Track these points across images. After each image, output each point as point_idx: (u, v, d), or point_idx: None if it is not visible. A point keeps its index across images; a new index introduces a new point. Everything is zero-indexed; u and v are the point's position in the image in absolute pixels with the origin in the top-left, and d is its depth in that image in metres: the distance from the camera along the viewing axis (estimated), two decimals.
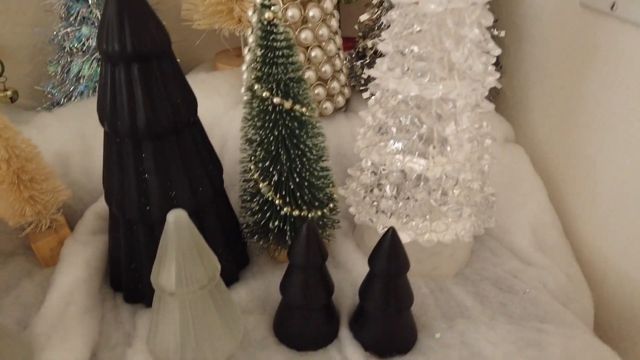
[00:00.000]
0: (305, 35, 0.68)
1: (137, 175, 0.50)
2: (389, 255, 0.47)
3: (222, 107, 0.76)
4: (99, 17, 0.76)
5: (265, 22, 0.48)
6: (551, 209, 0.68)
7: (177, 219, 0.42)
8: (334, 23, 0.72)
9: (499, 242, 0.65)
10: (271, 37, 0.49)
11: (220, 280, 0.48)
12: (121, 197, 0.51)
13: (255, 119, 0.52)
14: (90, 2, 0.75)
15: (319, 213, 0.58)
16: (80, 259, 0.55)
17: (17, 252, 0.62)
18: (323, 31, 0.70)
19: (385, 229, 0.57)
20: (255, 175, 0.56)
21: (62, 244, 0.60)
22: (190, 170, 0.52)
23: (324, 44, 0.71)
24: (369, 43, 0.75)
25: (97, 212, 0.62)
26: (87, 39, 0.77)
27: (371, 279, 0.49)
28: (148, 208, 0.51)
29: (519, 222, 0.65)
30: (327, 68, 0.72)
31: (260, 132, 0.53)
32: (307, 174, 0.55)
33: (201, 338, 0.46)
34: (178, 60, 0.90)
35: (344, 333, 0.53)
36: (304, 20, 0.69)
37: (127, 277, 0.55)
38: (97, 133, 0.68)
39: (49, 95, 0.84)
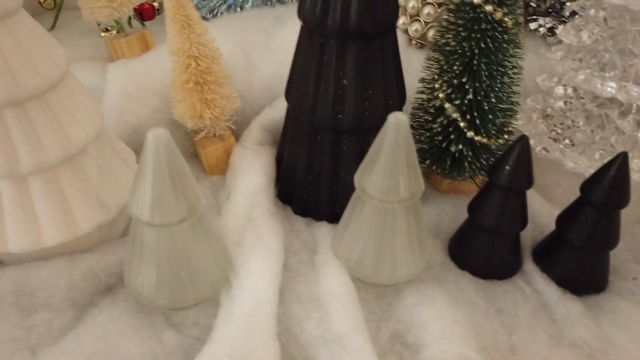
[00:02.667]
0: None
1: (335, 80, 0.48)
2: (614, 184, 0.43)
3: None
4: None
5: None
6: None
7: (398, 120, 0.40)
8: None
9: None
10: None
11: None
12: (313, 103, 0.49)
13: (460, 29, 0.48)
14: None
15: (500, 142, 0.55)
16: (258, 165, 0.55)
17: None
18: None
19: (577, 165, 0.53)
20: (441, 94, 0.53)
21: (228, 154, 0.60)
22: (386, 79, 0.49)
23: None
24: None
25: (262, 124, 0.61)
26: None
27: (581, 207, 0.46)
28: (341, 116, 0.49)
29: None
30: None
31: (464, 44, 0.49)
32: (505, 95, 0.51)
33: (401, 250, 0.44)
34: None
35: (529, 265, 0.50)
36: None
37: (302, 188, 0.55)
38: (257, 46, 0.67)
39: None
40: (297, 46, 0.51)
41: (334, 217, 0.55)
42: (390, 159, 0.41)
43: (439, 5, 0.67)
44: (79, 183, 0.45)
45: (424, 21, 0.68)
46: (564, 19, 0.68)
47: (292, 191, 0.56)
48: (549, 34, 0.69)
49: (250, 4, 0.77)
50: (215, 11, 0.78)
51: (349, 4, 0.44)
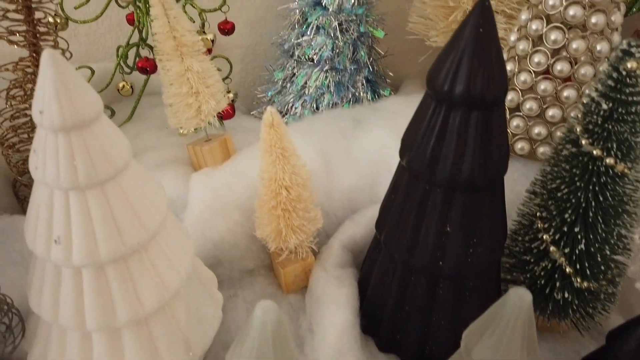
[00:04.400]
0: (585, 70, 0.60)
1: (438, 227, 0.45)
2: None
3: None
4: (337, 27, 0.73)
5: (625, 73, 0.41)
6: None
7: (521, 299, 0.37)
8: (616, 38, 0.61)
9: None
10: (627, 91, 0.41)
11: None
12: (410, 246, 0.47)
13: (576, 179, 0.45)
14: (330, 10, 0.72)
15: (609, 290, 0.51)
16: (342, 298, 0.52)
17: (258, 271, 0.61)
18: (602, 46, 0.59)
19: None
20: (547, 237, 0.49)
21: (306, 272, 0.58)
22: (493, 226, 0.46)
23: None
24: None
25: (343, 242, 0.59)
26: (320, 49, 0.74)
27: None
28: (441, 263, 0.46)
29: None
30: None
31: (579, 194, 0.45)
32: (621, 245, 0.47)
33: None
34: (390, 74, 0.86)
35: None
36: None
37: (389, 324, 0.51)
38: (337, 153, 0.66)
39: (265, 99, 0.82)
40: (395, 182, 0.49)
41: (422, 358, 0.51)
42: (507, 336, 0.38)
43: (529, 118, 0.65)
44: (168, 328, 0.43)
45: (511, 132, 0.65)
46: None
47: (377, 324, 0.53)
48: None
49: (325, 101, 0.76)
50: (290, 105, 0.78)
51: (462, 156, 0.42)
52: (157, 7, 0.55)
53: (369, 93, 0.78)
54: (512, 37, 0.64)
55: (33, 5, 0.50)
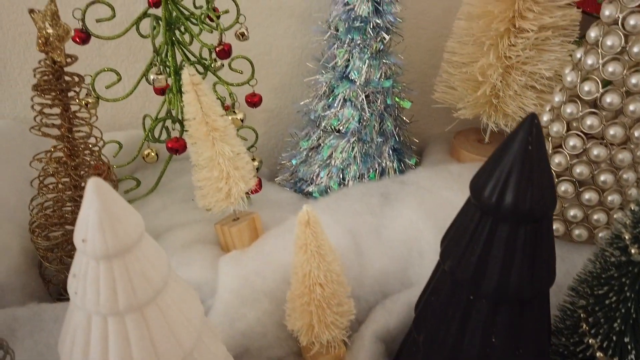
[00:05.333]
0: (623, 156, 0.59)
1: (483, 337, 0.43)
2: None
3: None
4: (364, 99, 0.72)
5: None
6: None
7: None
8: None
9: None
10: None
11: None
12: (453, 354, 0.45)
13: (626, 288, 0.44)
14: (357, 83, 0.72)
15: None
16: None
17: (286, 358, 0.59)
18: None
19: None
20: (593, 341, 0.47)
21: None
22: (539, 337, 0.44)
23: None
24: None
25: (376, 332, 0.57)
26: (347, 121, 0.73)
27: None
28: None
29: None
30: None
31: (629, 305, 0.44)
32: None
33: None
34: (416, 140, 0.85)
35: None
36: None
37: None
38: (366, 233, 0.64)
39: (289, 165, 0.82)
40: (435, 284, 0.47)
41: None
42: None
43: (564, 199, 0.63)
44: None
45: None
46: None
47: None
48: None
49: (352, 172, 0.75)
50: (316, 174, 0.77)
51: (509, 270, 0.40)
52: (190, 94, 0.55)
53: (395, 162, 0.78)
54: (545, 117, 0.63)
55: (71, 102, 0.50)
